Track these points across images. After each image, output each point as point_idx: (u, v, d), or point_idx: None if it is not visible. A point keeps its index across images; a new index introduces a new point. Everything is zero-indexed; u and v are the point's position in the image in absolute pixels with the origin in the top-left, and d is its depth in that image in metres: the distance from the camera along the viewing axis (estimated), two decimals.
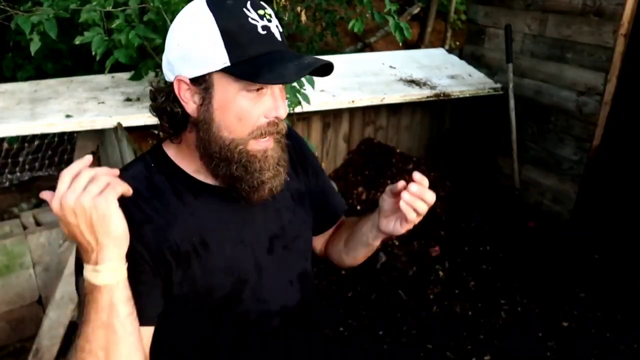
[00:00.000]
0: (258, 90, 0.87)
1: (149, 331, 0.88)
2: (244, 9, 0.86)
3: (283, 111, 0.90)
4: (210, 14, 0.85)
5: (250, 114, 0.88)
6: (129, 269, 0.82)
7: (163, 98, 0.92)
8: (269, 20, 0.87)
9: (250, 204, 0.95)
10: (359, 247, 1.14)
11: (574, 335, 2.51)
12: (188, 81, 0.88)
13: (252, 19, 0.85)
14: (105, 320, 0.78)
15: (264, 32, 0.85)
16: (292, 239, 1.05)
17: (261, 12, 0.86)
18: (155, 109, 0.94)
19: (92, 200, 0.74)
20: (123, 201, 0.87)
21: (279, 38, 0.87)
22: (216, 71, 0.86)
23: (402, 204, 0.94)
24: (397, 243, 3.05)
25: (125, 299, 0.79)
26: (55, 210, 0.76)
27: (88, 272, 0.78)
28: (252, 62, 0.84)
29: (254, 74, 0.84)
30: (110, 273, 0.78)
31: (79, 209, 0.74)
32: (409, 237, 3.08)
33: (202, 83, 0.87)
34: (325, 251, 1.26)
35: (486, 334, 2.53)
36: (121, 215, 0.77)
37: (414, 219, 0.96)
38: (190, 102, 0.89)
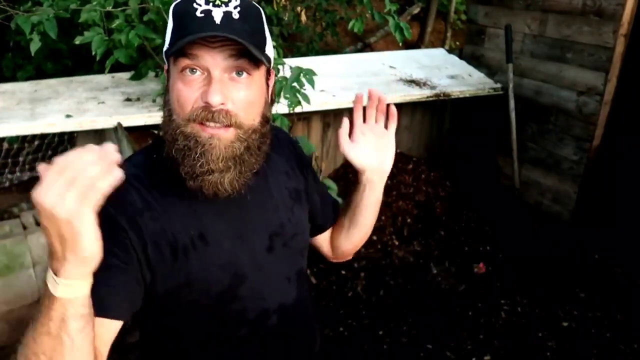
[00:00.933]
0: (182, 70, 0.87)
1: (113, 325, 0.85)
2: None
3: (215, 98, 0.84)
4: (175, 2, 0.90)
5: (184, 96, 0.87)
6: (107, 258, 0.77)
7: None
8: (217, 5, 0.86)
9: (209, 198, 0.91)
10: (360, 217, 1.15)
11: (574, 335, 2.51)
12: (166, 69, 0.93)
13: (197, 3, 0.86)
14: (53, 331, 0.72)
15: (201, 15, 0.85)
16: (291, 237, 1.06)
17: None
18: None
19: (66, 212, 0.63)
20: (125, 186, 0.87)
21: (218, 21, 0.85)
22: (167, 55, 0.89)
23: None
24: (397, 243, 3.05)
25: (79, 315, 0.73)
26: (33, 201, 0.65)
27: (48, 277, 0.72)
28: (176, 41, 0.85)
29: (171, 46, 0.87)
30: (68, 289, 0.71)
31: (51, 217, 0.64)
32: (409, 236, 3.08)
33: (168, 70, 0.93)
34: (332, 247, 1.26)
35: (486, 334, 2.53)
36: (95, 236, 0.68)
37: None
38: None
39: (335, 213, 1.24)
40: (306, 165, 1.16)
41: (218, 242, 0.95)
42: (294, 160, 1.12)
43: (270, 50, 0.94)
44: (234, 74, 0.87)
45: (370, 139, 1.08)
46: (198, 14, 0.85)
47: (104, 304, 0.81)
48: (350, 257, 1.27)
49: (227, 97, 0.86)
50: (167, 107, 0.92)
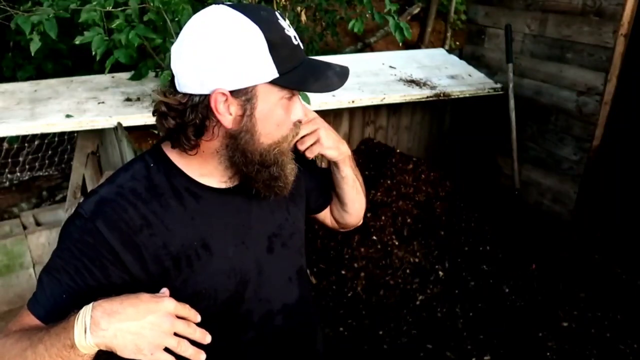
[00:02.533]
0: (282, 98, 0.90)
1: (33, 321, 0.89)
2: (279, 21, 0.88)
3: (304, 114, 0.98)
4: (255, 25, 0.84)
5: (286, 120, 0.93)
6: (94, 282, 0.86)
7: (193, 113, 0.88)
8: (293, 30, 0.92)
9: (270, 198, 0.99)
10: (345, 192, 1.23)
11: (574, 335, 2.51)
12: (228, 93, 0.86)
13: (287, 30, 0.89)
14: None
15: (296, 43, 0.90)
16: (289, 236, 1.07)
17: (287, 22, 0.90)
18: (179, 123, 0.89)
19: (155, 348, 0.77)
20: (122, 204, 0.88)
21: (302, 46, 0.93)
22: (263, 83, 0.87)
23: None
24: (397, 243, 3.05)
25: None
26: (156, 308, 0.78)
27: (81, 320, 0.76)
28: (295, 72, 0.88)
29: (302, 84, 0.89)
30: (90, 347, 0.76)
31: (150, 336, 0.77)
32: (409, 236, 3.08)
33: (244, 94, 0.87)
34: (335, 221, 1.32)
35: (486, 334, 2.53)
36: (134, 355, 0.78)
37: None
38: (226, 114, 0.87)
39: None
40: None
41: (222, 249, 0.95)
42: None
43: None
44: None
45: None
46: (294, 42, 0.90)
47: (38, 302, 0.88)
48: (358, 224, 1.34)
49: None
50: (251, 133, 0.90)
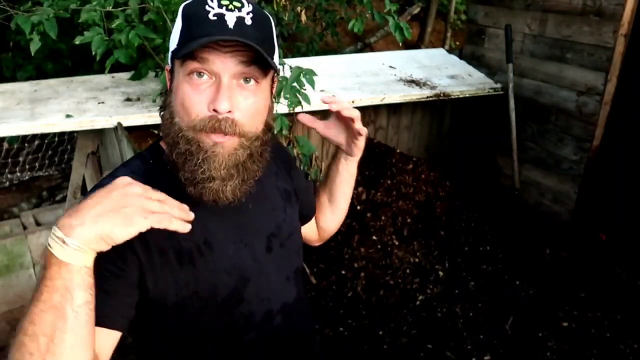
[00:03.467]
0: (190, 73, 0.85)
1: (111, 335, 0.84)
2: None
3: (223, 105, 0.83)
4: (185, 3, 0.89)
5: (190, 101, 0.85)
6: (110, 266, 0.82)
7: (165, 90, 0.96)
8: (230, 10, 0.84)
9: (214, 204, 0.90)
10: (339, 188, 1.25)
11: (574, 335, 2.51)
12: (168, 68, 0.93)
13: (209, 6, 0.85)
14: (57, 303, 0.69)
15: (214, 18, 0.83)
16: (288, 236, 1.07)
17: (225, 1, 0.85)
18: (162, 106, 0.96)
19: (137, 214, 0.73)
20: None
21: (231, 26, 0.83)
22: (175, 56, 0.88)
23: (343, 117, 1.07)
24: (397, 243, 3.05)
25: (86, 285, 0.71)
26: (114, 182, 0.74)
27: (55, 241, 0.70)
28: (186, 43, 0.84)
29: (176, 51, 0.87)
30: (78, 254, 0.70)
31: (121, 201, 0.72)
32: (409, 236, 3.08)
33: (171, 70, 0.91)
34: (318, 228, 1.32)
35: (486, 334, 2.53)
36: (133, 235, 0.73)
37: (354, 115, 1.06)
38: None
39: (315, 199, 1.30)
40: (292, 166, 1.19)
41: (223, 247, 0.95)
42: (280, 162, 1.14)
43: (277, 59, 0.94)
44: (242, 81, 0.86)
45: (340, 123, 1.15)
46: (211, 16, 0.83)
47: (102, 311, 0.80)
48: (333, 233, 1.35)
49: (234, 104, 0.85)
50: (169, 110, 0.90)
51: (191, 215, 0.79)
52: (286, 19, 3.77)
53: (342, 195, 1.26)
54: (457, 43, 6.32)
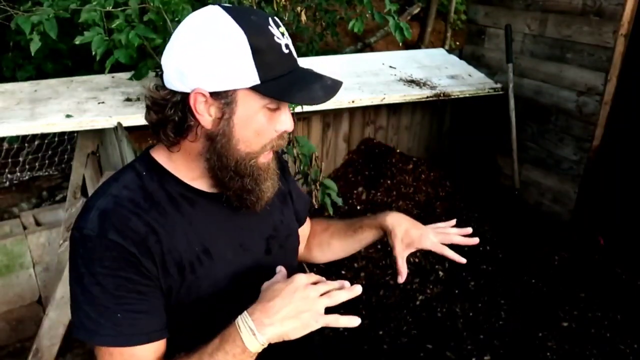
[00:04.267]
0: (265, 106, 0.88)
1: (164, 343, 0.92)
2: (269, 27, 0.86)
3: (292, 125, 0.93)
4: (240, 29, 0.83)
5: (267, 129, 0.90)
6: (140, 287, 0.86)
7: (172, 109, 0.89)
8: (287, 38, 0.88)
9: (251, 211, 0.97)
10: (353, 248, 1.27)
11: (574, 335, 2.51)
12: (207, 94, 0.86)
13: (277, 37, 0.85)
14: None
15: (287, 51, 0.87)
16: (286, 238, 1.08)
17: (281, 29, 0.87)
18: (161, 118, 0.92)
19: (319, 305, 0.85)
20: (124, 213, 0.87)
21: (296, 56, 0.89)
22: (243, 88, 0.85)
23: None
24: None
25: None
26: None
27: (245, 327, 0.84)
28: (279, 81, 0.85)
29: (284, 94, 0.86)
30: (260, 346, 0.84)
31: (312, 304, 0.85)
32: None
33: (223, 97, 0.86)
34: (307, 247, 1.32)
35: (486, 334, 2.53)
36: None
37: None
38: (205, 114, 0.87)
39: (307, 210, 1.29)
40: (286, 168, 1.19)
41: (222, 254, 0.95)
42: (275, 164, 1.14)
43: None
44: None
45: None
46: (284, 50, 0.87)
47: (150, 330, 0.88)
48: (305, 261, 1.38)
49: None
50: (228, 138, 0.89)
51: (358, 290, 0.90)
52: (286, 19, 3.76)
53: (342, 252, 1.29)
54: (457, 43, 6.32)
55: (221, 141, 0.89)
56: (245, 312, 0.85)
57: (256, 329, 0.83)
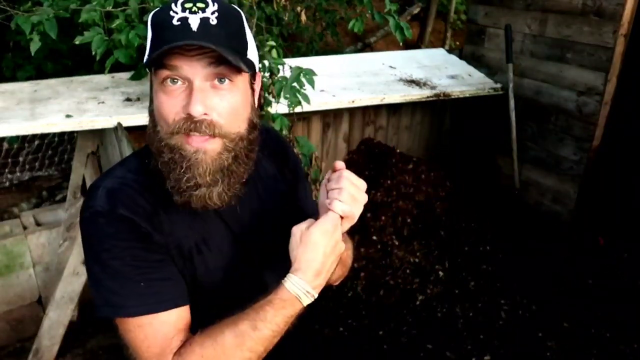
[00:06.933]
0: (163, 81, 0.85)
1: (187, 310, 0.91)
2: (173, 3, 0.85)
3: (197, 108, 0.82)
4: (155, 10, 0.88)
5: (166, 108, 0.85)
6: (157, 256, 0.86)
7: None
8: (194, 12, 0.83)
9: (203, 209, 0.91)
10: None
11: (574, 335, 2.51)
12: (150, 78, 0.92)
13: (173, 11, 0.83)
14: (283, 330, 0.87)
15: (178, 24, 0.82)
16: (284, 236, 1.07)
17: (189, 4, 0.84)
18: None
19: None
20: (130, 192, 0.88)
21: (194, 29, 0.82)
22: (147, 66, 0.88)
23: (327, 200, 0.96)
24: (397, 243, 3.05)
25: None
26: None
27: (304, 291, 0.87)
28: (153, 52, 0.83)
29: (146, 61, 0.85)
30: (311, 300, 0.89)
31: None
32: (409, 236, 3.08)
33: (151, 80, 0.90)
34: None
35: (486, 334, 2.53)
36: None
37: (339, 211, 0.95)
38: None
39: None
40: (296, 166, 1.16)
41: (219, 246, 0.96)
42: (282, 161, 1.12)
43: (253, 53, 0.92)
44: (215, 81, 0.85)
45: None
46: (175, 22, 0.82)
47: (175, 295, 0.89)
48: None
49: (209, 106, 0.84)
50: (150, 118, 0.91)
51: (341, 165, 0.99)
52: (286, 19, 3.77)
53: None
54: (457, 43, 6.31)
55: (150, 125, 0.92)
56: (295, 277, 0.87)
57: (313, 290, 0.88)
